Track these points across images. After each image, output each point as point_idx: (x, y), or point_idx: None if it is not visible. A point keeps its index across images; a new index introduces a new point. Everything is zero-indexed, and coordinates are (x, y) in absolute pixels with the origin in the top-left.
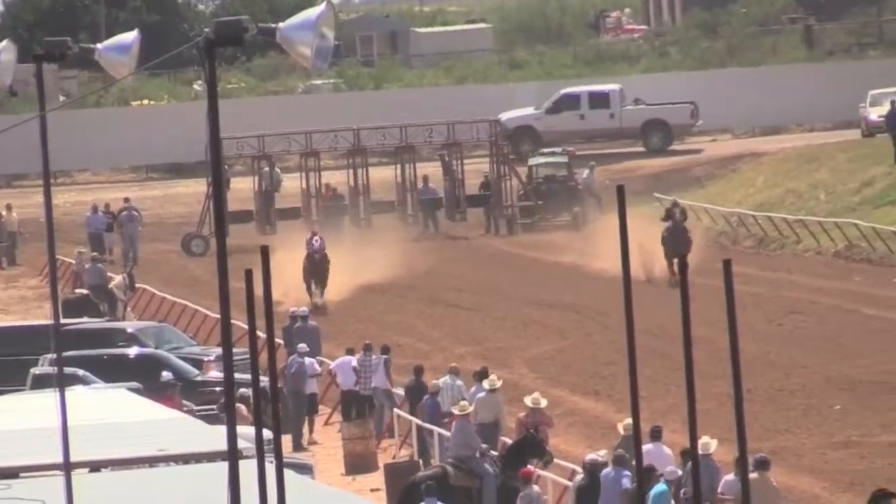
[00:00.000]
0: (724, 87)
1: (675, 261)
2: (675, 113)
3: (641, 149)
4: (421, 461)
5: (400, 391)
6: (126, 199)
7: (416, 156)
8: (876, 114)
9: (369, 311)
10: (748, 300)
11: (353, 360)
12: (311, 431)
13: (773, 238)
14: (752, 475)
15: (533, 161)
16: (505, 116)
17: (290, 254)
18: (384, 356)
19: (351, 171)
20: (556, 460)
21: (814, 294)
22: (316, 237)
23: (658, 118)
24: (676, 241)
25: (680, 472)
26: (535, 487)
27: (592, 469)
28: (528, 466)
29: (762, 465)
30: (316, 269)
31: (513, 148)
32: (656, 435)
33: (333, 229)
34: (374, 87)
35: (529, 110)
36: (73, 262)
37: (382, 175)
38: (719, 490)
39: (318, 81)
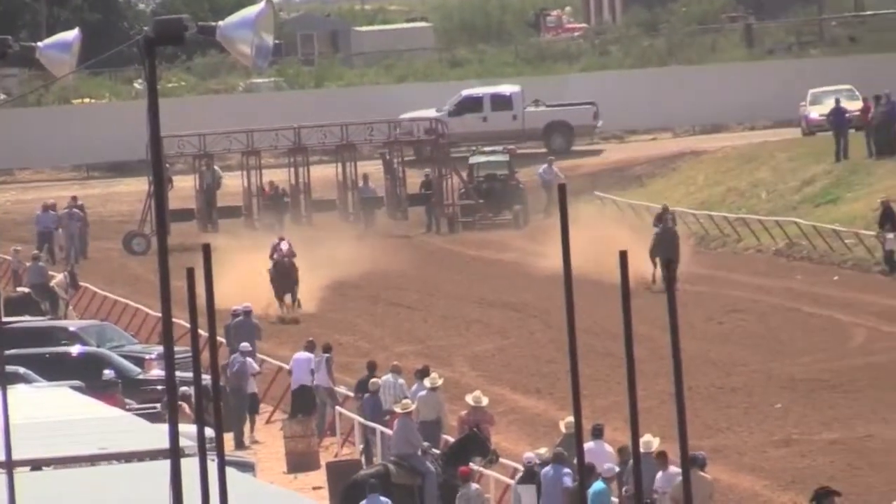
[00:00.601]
0: (664, 86)
1: (659, 267)
2: (578, 114)
3: (543, 150)
4: (363, 459)
5: (342, 389)
6: (73, 198)
7: (357, 154)
8: (816, 112)
9: (311, 309)
10: (689, 298)
11: (312, 357)
12: (252, 430)
13: (714, 236)
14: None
15: (474, 160)
16: (407, 117)
17: (257, 264)
18: (326, 354)
19: (292, 169)
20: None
21: (755, 292)
22: (283, 242)
23: (560, 120)
24: (666, 247)
25: (617, 469)
26: (475, 486)
27: (529, 468)
28: (469, 465)
29: (692, 462)
30: (284, 277)
31: (415, 150)
32: (598, 433)
33: (275, 227)
34: (314, 85)
35: (431, 112)
36: (10, 259)
37: (323, 173)
38: (655, 486)
39: (259, 80)
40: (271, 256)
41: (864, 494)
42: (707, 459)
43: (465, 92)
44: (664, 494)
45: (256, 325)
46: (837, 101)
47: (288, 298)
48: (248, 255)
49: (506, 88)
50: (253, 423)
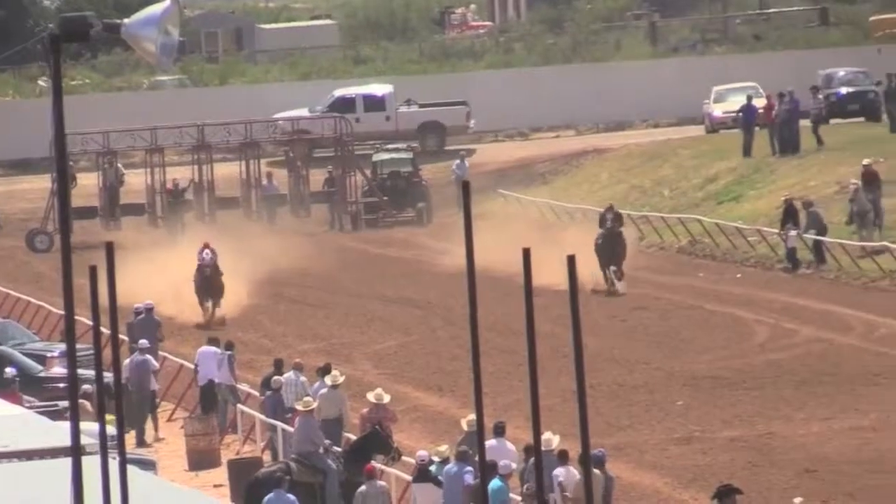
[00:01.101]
0: (568, 84)
1: (612, 269)
2: (450, 115)
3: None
4: (264, 457)
5: (244, 387)
6: None
7: (261, 152)
8: (720, 110)
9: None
10: (593, 296)
11: (217, 352)
12: (155, 428)
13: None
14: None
15: (377, 157)
16: (279, 117)
17: (183, 267)
18: (228, 352)
19: (195, 167)
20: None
21: (657, 290)
22: (207, 250)
23: (433, 120)
24: (611, 249)
25: (514, 466)
26: (380, 483)
27: (423, 466)
28: (372, 462)
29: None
30: (208, 283)
31: (287, 154)
32: (500, 431)
33: (178, 225)
34: (218, 83)
35: (304, 112)
36: None
37: (227, 171)
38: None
39: (164, 78)
40: (198, 262)
41: (765, 492)
42: (608, 457)
43: (338, 92)
44: (564, 493)
45: (158, 322)
46: (749, 98)
47: (209, 303)
48: (151, 253)
49: (378, 89)
50: (155, 420)
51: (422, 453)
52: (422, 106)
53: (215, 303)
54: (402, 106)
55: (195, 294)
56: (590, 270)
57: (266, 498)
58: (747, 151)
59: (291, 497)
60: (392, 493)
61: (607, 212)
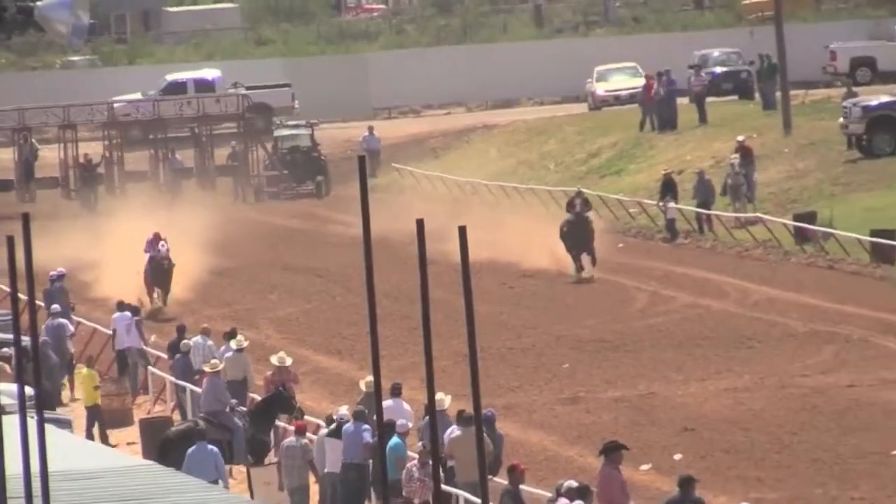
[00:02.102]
0: (458, 63)
1: (583, 255)
2: (276, 96)
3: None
4: (174, 416)
5: (152, 350)
6: None
7: (167, 128)
8: (602, 89)
9: (123, 273)
10: (483, 264)
11: (129, 317)
12: (71, 389)
13: (505, 205)
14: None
15: (278, 133)
16: (116, 101)
17: (75, 231)
18: (135, 317)
19: (106, 142)
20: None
21: (544, 259)
22: (162, 242)
23: (261, 102)
24: (578, 234)
25: (410, 425)
26: (304, 440)
27: (341, 422)
28: (298, 420)
29: (468, 420)
30: (160, 275)
31: (122, 134)
32: (396, 391)
33: (90, 198)
34: (127, 62)
35: (138, 95)
36: None
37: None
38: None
39: (75, 58)
40: (146, 251)
41: (646, 449)
42: (498, 416)
43: (170, 77)
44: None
45: (65, 288)
46: (665, 75)
47: (158, 294)
48: (65, 223)
49: (208, 73)
50: (71, 382)
51: (342, 412)
52: (248, 88)
53: (165, 291)
54: (231, 88)
55: (144, 283)
56: (550, 252)
57: (189, 451)
58: (664, 125)
59: (213, 448)
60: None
61: (576, 197)
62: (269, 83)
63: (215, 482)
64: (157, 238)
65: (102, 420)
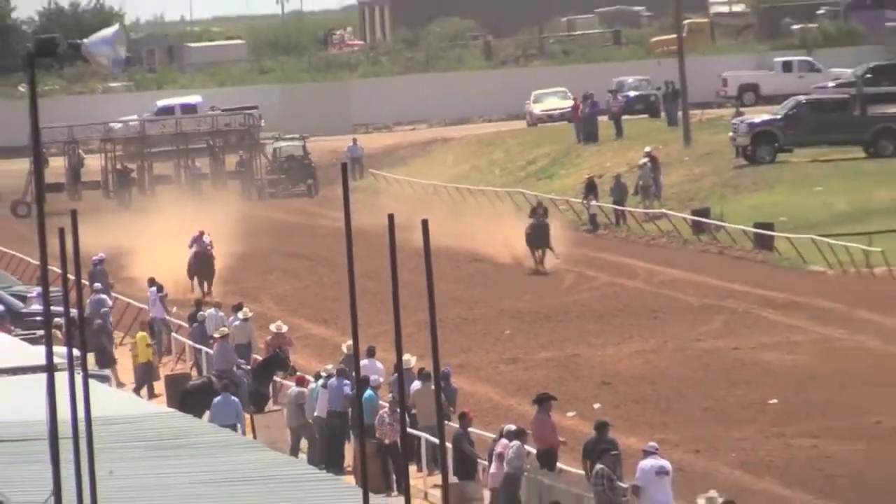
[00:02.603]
0: (423, 88)
1: (544, 252)
2: (245, 117)
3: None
4: (192, 373)
5: (174, 320)
6: None
7: (188, 141)
8: (538, 109)
9: (153, 258)
10: (441, 251)
11: (156, 292)
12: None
13: (460, 204)
14: (421, 385)
15: (276, 145)
16: (117, 124)
17: (175, 248)
18: (160, 294)
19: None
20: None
21: (490, 246)
22: (205, 235)
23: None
24: (539, 237)
25: (381, 380)
26: (300, 389)
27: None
28: (294, 376)
29: (427, 376)
30: (202, 267)
31: (125, 151)
32: (371, 353)
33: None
34: (156, 88)
35: (135, 117)
36: None
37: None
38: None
39: (114, 84)
40: (191, 246)
41: (571, 399)
42: (452, 373)
43: (161, 103)
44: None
45: (105, 270)
46: (589, 97)
47: (204, 285)
48: (105, 218)
49: (192, 99)
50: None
51: (328, 369)
52: (224, 111)
53: (210, 281)
54: (209, 111)
55: (187, 273)
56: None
57: (215, 400)
58: (588, 138)
59: (235, 399)
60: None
61: (538, 206)
62: (242, 106)
63: (234, 426)
64: (201, 234)
65: (150, 374)
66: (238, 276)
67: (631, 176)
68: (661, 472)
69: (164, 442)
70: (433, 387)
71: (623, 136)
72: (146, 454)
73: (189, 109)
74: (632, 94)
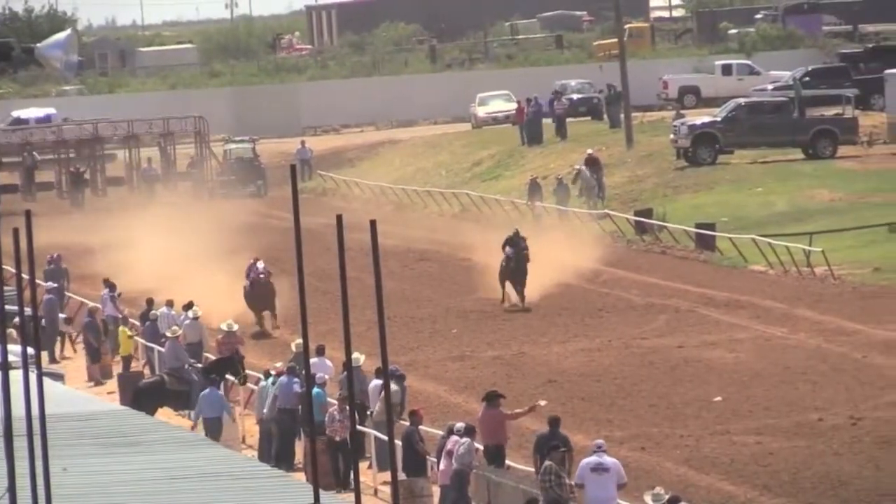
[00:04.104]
0: (370, 91)
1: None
2: (108, 127)
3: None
4: (144, 371)
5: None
6: None
7: (141, 143)
8: (483, 111)
9: (106, 258)
10: (389, 250)
11: (109, 292)
12: (62, 349)
13: (406, 204)
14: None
15: (227, 147)
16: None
17: (232, 283)
18: (113, 293)
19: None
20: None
21: (437, 245)
22: (259, 262)
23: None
24: (518, 270)
25: (328, 377)
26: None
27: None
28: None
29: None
30: (260, 296)
31: (78, 153)
32: (321, 351)
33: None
34: (108, 91)
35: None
36: None
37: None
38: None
39: (67, 87)
40: (247, 276)
41: (519, 396)
42: (401, 371)
43: (15, 113)
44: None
45: (65, 268)
46: (533, 100)
47: (267, 315)
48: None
49: (45, 110)
50: (63, 344)
51: (277, 365)
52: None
53: (272, 311)
54: (62, 122)
55: (247, 306)
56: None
57: (202, 393)
58: (532, 140)
59: (220, 392)
60: (240, 397)
61: (516, 235)
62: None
63: (219, 418)
64: (255, 262)
65: (129, 366)
66: (187, 274)
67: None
68: (598, 468)
69: (117, 439)
70: (394, 385)
71: (566, 139)
72: (99, 451)
73: (44, 120)
74: (575, 96)
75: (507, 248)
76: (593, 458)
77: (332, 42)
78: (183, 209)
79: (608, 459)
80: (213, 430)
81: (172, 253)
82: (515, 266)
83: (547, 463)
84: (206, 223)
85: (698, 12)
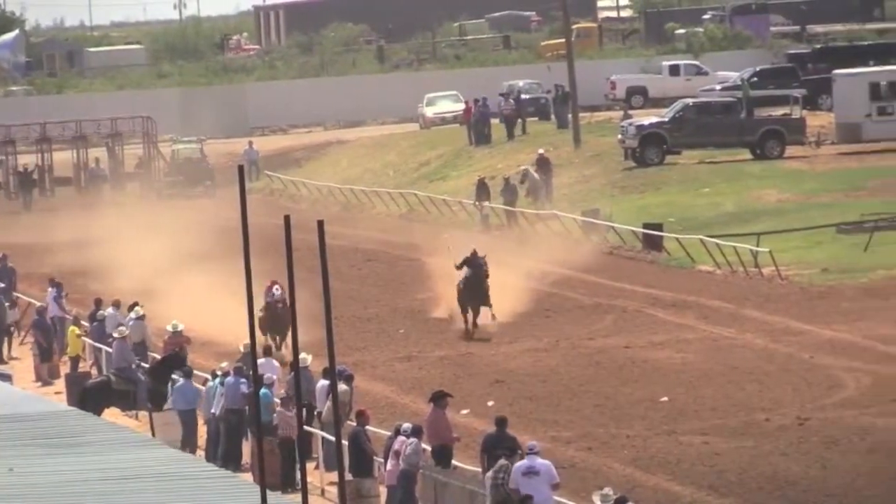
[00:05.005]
0: (317, 91)
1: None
2: (55, 128)
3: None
4: (92, 371)
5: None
6: None
7: (88, 143)
8: (431, 112)
9: (52, 256)
10: (336, 251)
11: (54, 291)
12: (9, 349)
13: (354, 204)
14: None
15: (174, 147)
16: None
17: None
18: (59, 293)
19: (39, 154)
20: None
21: (385, 246)
22: (276, 286)
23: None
24: (477, 291)
25: (275, 377)
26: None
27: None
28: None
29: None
30: (276, 320)
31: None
32: (268, 352)
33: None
34: (57, 92)
35: None
36: None
37: (64, 157)
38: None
39: (15, 88)
40: (265, 298)
41: (466, 397)
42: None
43: None
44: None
45: (12, 268)
46: (480, 100)
47: (277, 340)
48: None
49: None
50: (10, 345)
51: (223, 365)
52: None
53: (282, 338)
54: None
55: (260, 330)
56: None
57: (176, 385)
58: (480, 140)
59: (197, 386)
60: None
61: (474, 255)
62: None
63: (194, 410)
64: (272, 285)
65: (77, 366)
66: (136, 273)
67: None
68: (529, 472)
69: (64, 440)
70: (342, 385)
71: (514, 139)
72: (46, 451)
73: None
74: (523, 97)
75: (465, 269)
76: (524, 463)
77: (279, 42)
78: (130, 209)
79: (539, 462)
80: (188, 422)
81: (121, 253)
82: (474, 287)
83: (502, 461)
84: (150, 223)
85: (646, 13)
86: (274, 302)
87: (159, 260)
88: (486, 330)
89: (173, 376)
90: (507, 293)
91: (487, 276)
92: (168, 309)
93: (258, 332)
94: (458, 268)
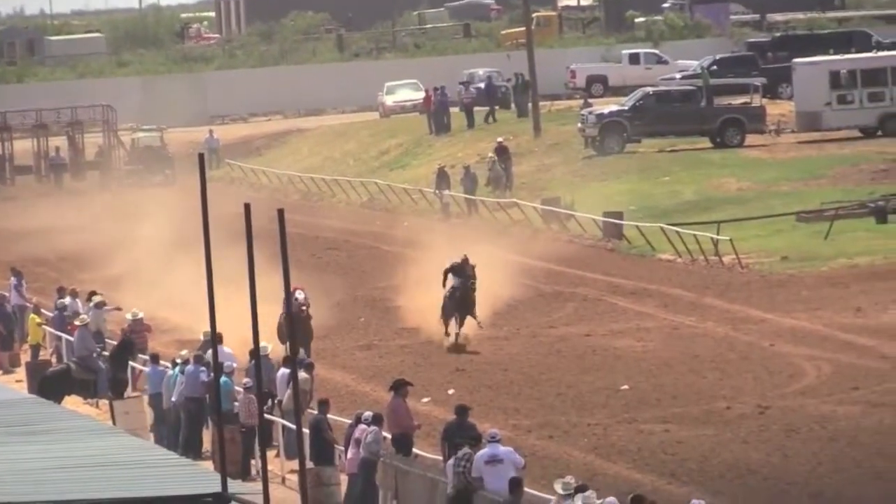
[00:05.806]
0: (277, 80)
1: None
2: (17, 116)
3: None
4: (52, 360)
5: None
6: None
7: (49, 131)
8: (391, 100)
9: (13, 245)
10: (296, 239)
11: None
12: None
13: (314, 193)
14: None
15: (135, 136)
16: None
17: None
18: (20, 282)
19: None
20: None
21: (345, 234)
22: (298, 291)
23: None
24: (463, 301)
25: (235, 365)
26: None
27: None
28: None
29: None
30: (297, 327)
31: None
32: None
33: None
34: (17, 81)
35: None
36: None
37: (24, 146)
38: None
39: None
40: (284, 306)
41: (427, 385)
42: (309, 359)
43: None
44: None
45: None
46: (439, 89)
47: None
48: None
49: None
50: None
51: (183, 353)
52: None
53: (307, 346)
54: None
55: (277, 336)
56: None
57: (147, 370)
58: (434, 130)
59: (168, 371)
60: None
61: (465, 263)
62: None
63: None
64: (294, 290)
65: (37, 354)
66: (97, 263)
67: (480, 167)
68: (492, 460)
69: (23, 427)
70: (302, 374)
71: (474, 127)
72: (5, 439)
73: None
74: (482, 85)
75: (452, 278)
76: (486, 451)
77: (240, 31)
78: (90, 198)
79: (501, 449)
80: (158, 406)
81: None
82: (461, 298)
83: (465, 450)
84: (110, 211)
85: (606, 1)
86: (299, 309)
87: (120, 248)
88: (468, 338)
89: (132, 364)
90: None
91: (474, 290)
92: (131, 298)
93: (276, 341)
94: (445, 273)
